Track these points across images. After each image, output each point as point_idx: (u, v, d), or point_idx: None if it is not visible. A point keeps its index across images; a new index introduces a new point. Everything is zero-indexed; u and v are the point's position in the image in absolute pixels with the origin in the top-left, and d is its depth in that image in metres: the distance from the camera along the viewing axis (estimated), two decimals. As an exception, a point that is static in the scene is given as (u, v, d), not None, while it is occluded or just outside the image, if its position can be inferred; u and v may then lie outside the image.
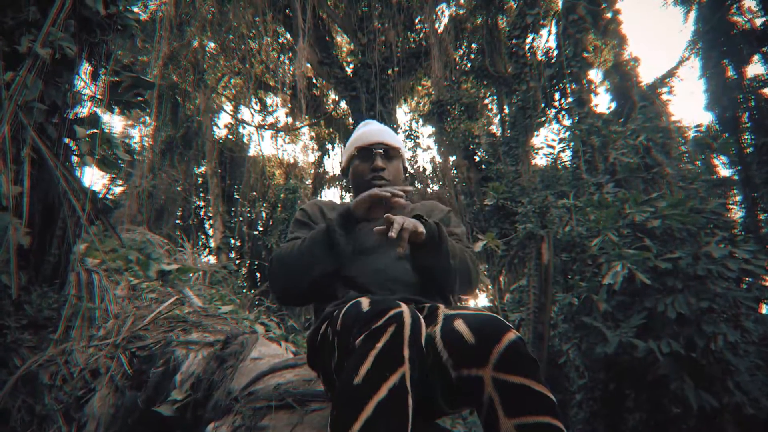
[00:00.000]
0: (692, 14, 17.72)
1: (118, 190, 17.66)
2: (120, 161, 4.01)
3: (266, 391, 1.77)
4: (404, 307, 1.26)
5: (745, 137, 15.99)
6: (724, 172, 16.16)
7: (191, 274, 6.21)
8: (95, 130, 3.76)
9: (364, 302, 1.35)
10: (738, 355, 5.35)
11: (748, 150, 15.74)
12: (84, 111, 4.00)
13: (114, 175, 15.94)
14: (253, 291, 14.63)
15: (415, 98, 20.94)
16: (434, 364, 1.35)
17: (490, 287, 12.54)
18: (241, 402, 1.80)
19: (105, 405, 2.99)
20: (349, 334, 1.30)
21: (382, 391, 1.13)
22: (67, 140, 3.73)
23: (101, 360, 3.28)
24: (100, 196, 4.03)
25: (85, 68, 4.04)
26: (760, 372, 6.11)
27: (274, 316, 7.60)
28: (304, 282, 1.72)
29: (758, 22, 15.92)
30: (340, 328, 1.37)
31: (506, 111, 16.78)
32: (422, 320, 1.30)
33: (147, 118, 17.79)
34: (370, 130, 2.07)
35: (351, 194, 2.14)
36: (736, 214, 14.96)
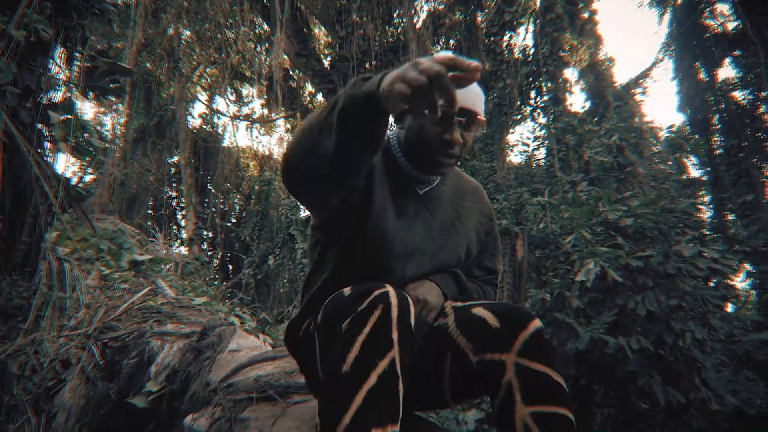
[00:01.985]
0: (667, 16, 18.02)
1: (88, 178, 17.39)
2: (93, 149, 3.93)
3: (246, 383, 1.75)
4: (389, 288, 1.20)
5: (715, 139, 16.31)
6: (694, 172, 16.49)
7: (163, 265, 6.13)
8: (69, 116, 3.68)
9: (346, 290, 1.26)
10: (705, 352, 5.45)
11: (717, 151, 16.05)
12: (58, 96, 3.92)
13: (86, 163, 15.68)
14: (225, 283, 14.53)
15: (392, 92, 20.90)
16: (446, 353, 1.34)
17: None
18: (220, 394, 1.78)
19: (76, 396, 2.94)
20: (331, 325, 1.23)
21: (372, 379, 1.09)
22: (40, 126, 3.66)
23: (72, 350, 3.23)
24: (73, 183, 3.96)
25: (60, 52, 3.96)
26: (726, 369, 6.25)
27: (246, 309, 7.55)
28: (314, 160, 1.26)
29: (730, 26, 16.25)
30: (321, 321, 1.30)
31: (482, 107, 16.85)
32: (410, 300, 1.23)
33: (119, 105, 17.52)
34: (460, 91, 1.33)
35: (399, 129, 1.67)
36: (705, 214, 15.28)
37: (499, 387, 1.23)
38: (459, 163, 1.61)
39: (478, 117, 1.54)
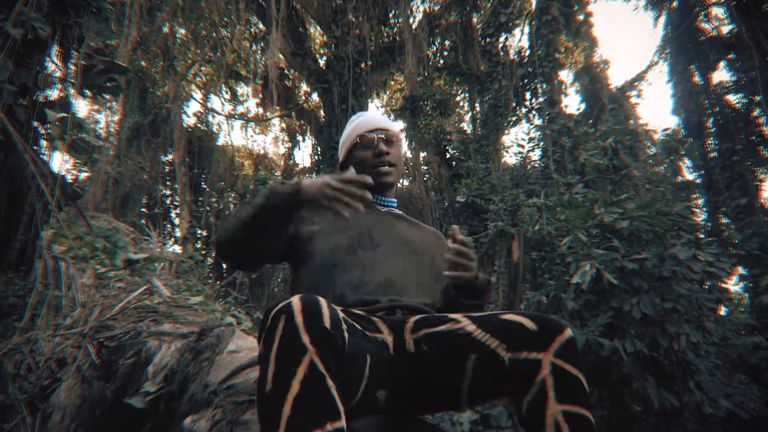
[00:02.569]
0: (662, 19, 18.07)
1: (82, 176, 17.32)
2: (89, 147, 3.92)
3: (247, 385, 1.74)
4: (294, 298, 1.20)
5: (710, 142, 16.37)
6: (688, 175, 16.53)
7: (158, 264, 6.11)
8: (66, 114, 3.67)
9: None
10: (699, 355, 5.46)
11: (711, 155, 16.12)
12: (54, 94, 3.91)
13: (80, 161, 15.62)
14: (219, 282, 14.49)
15: (388, 93, 20.95)
16: (468, 356, 1.36)
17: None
18: (220, 396, 1.77)
19: (72, 395, 2.93)
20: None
21: (295, 387, 1.08)
22: (36, 123, 3.64)
23: (68, 349, 3.21)
24: (69, 181, 3.94)
25: (57, 50, 3.94)
26: (719, 372, 6.27)
27: (241, 308, 7.53)
28: (244, 242, 1.71)
29: (725, 29, 16.32)
30: None
31: (478, 109, 16.89)
32: (323, 301, 1.21)
33: (114, 103, 17.47)
34: (367, 118, 2.04)
35: None
36: (699, 217, 15.33)
37: (532, 385, 1.27)
38: (399, 180, 2.04)
39: (393, 132, 1.99)
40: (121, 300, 3.82)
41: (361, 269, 1.70)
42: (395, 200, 2.06)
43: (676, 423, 5.47)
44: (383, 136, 1.95)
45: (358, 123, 2.03)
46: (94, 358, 3.12)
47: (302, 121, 19.96)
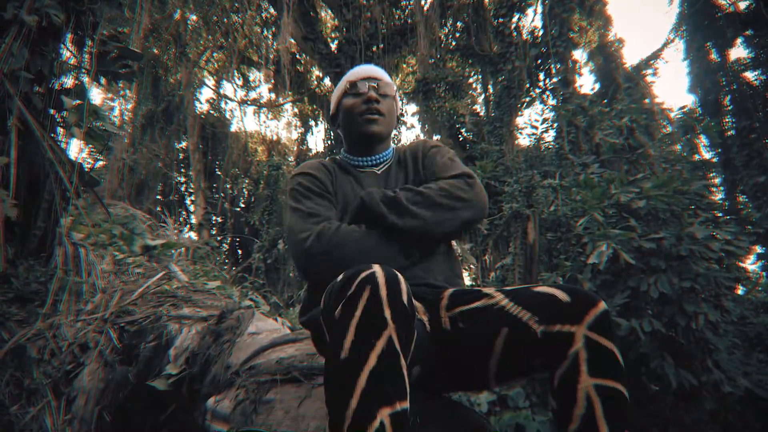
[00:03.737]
0: (678, -4, 17.78)
1: (98, 164, 17.47)
2: (107, 133, 3.94)
3: (269, 365, 1.75)
4: (377, 267, 1.20)
5: (727, 120, 16.15)
6: (705, 154, 16.35)
7: (174, 250, 6.16)
8: (81, 101, 3.68)
9: (339, 276, 1.26)
10: (717, 334, 5.43)
11: (729, 133, 15.91)
12: (69, 81, 3.92)
13: (96, 149, 15.73)
14: (234, 268, 14.59)
15: (400, 76, 20.84)
16: (500, 330, 1.37)
17: (472, 266, 12.62)
18: (242, 376, 1.78)
19: (95, 379, 2.97)
20: (329, 313, 1.23)
21: (372, 360, 1.09)
22: (52, 111, 3.66)
23: (90, 334, 3.25)
24: (87, 168, 3.96)
25: (71, 37, 3.95)
26: (738, 351, 6.23)
27: (258, 293, 7.58)
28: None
29: (742, 5, 16.04)
30: (322, 309, 1.30)
31: (491, 90, 16.76)
32: (400, 276, 1.21)
33: (127, 91, 17.54)
34: (361, 68, 1.95)
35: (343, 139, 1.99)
36: (716, 195, 15.17)
37: (565, 358, 1.26)
38: (390, 126, 1.90)
39: (387, 83, 1.88)
40: (141, 285, 3.86)
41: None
42: (389, 151, 1.95)
43: (694, 402, 5.46)
44: (375, 84, 1.86)
45: (350, 72, 1.94)
46: (116, 342, 3.16)
47: (314, 106, 19.95)
